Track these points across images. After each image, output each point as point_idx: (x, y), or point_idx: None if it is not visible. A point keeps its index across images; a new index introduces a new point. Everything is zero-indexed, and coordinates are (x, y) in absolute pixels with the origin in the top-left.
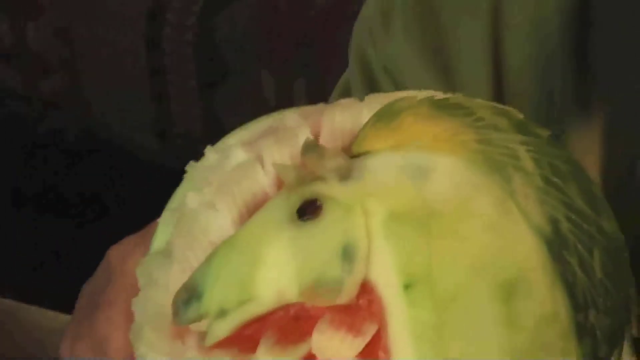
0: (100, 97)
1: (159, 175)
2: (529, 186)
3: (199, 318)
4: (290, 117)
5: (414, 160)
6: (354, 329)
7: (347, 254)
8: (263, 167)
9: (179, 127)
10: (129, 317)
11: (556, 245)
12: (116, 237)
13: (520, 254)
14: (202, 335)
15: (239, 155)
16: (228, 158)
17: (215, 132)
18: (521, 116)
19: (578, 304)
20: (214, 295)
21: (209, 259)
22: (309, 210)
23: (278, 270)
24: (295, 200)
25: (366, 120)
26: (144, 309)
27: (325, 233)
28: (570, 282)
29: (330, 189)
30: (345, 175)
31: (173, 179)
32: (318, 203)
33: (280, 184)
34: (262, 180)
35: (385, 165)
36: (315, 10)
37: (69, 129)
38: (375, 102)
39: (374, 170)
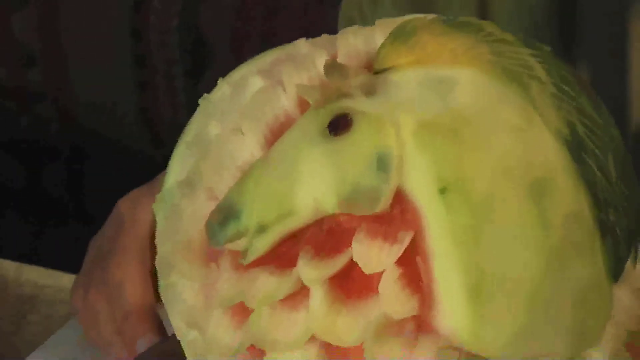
0: (86, 86)
1: (145, 162)
2: (544, 93)
3: (238, 236)
4: (303, 45)
5: (436, 74)
6: (390, 237)
7: (382, 164)
8: (285, 90)
9: (164, 115)
10: (143, 263)
11: (575, 148)
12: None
13: (544, 156)
14: (237, 256)
15: (257, 82)
16: (246, 86)
17: None
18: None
19: (599, 202)
20: (253, 212)
21: (243, 179)
22: (340, 124)
23: (315, 183)
24: (325, 116)
25: (380, 41)
26: (170, 240)
27: (358, 145)
28: (591, 182)
29: (358, 104)
30: (370, 91)
31: (160, 167)
32: (349, 117)
33: (303, 107)
34: (285, 103)
35: (409, 80)
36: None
37: (53, 120)
38: (386, 25)
39: (399, 85)
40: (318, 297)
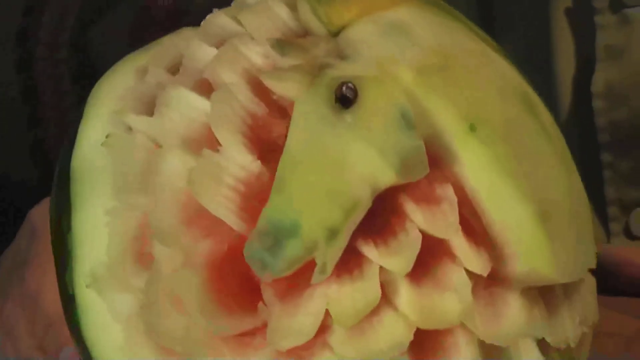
0: None
1: (36, 196)
2: (473, 24)
3: (305, 254)
4: (200, 47)
5: (386, 20)
6: (432, 196)
7: (407, 121)
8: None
9: (55, 150)
10: None
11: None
12: None
13: (510, 72)
14: (279, 285)
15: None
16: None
17: None
18: None
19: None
20: (314, 220)
21: (276, 192)
22: (348, 96)
23: (362, 164)
24: (326, 93)
25: (280, 10)
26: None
27: (377, 111)
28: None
29: (347, 70)
30: (342, 55)
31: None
32: (352, 86)
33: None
34: (249, 105)
35: (368, 34)
36: (192, 23)
37: None
38: None
39: (363, 41)
40: (405, 289)
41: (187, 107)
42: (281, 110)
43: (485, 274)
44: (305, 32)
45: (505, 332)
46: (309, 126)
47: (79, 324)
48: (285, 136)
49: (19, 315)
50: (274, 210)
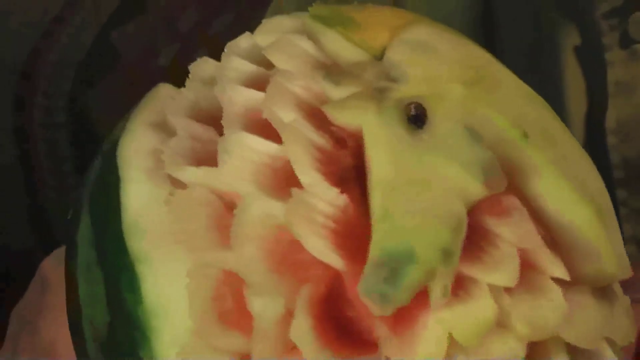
0: None
1: (34, 262)
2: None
3: (425, 279)
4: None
5: (413, 40)
6: (502, 210)
7: (474, 135)
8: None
9: (55, 217)
10: None
11: None
12: None
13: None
14: (394, 319)
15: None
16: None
17: None
18: None
19: None
20: (427, 242)
21: (380, 221)
22: (420, 115)
23: (451, 179)
24: (396, 115)
25: (305, 43)
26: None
27: (447, 128)
28: None
29: (406, 91)
30: (391, 77)
31: None
32: (419, 105)
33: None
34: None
35: (404, 55)
36: None
37: None
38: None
39: (402, 61)
40: (508, 304)
41: (251, 151)
42: (341, 141)
43: (568, 279)
44: (332, 62)
45: (591, 335)
46: (391, 149)
47: None
48: (353, 166)
49: None
50: (383, 239)
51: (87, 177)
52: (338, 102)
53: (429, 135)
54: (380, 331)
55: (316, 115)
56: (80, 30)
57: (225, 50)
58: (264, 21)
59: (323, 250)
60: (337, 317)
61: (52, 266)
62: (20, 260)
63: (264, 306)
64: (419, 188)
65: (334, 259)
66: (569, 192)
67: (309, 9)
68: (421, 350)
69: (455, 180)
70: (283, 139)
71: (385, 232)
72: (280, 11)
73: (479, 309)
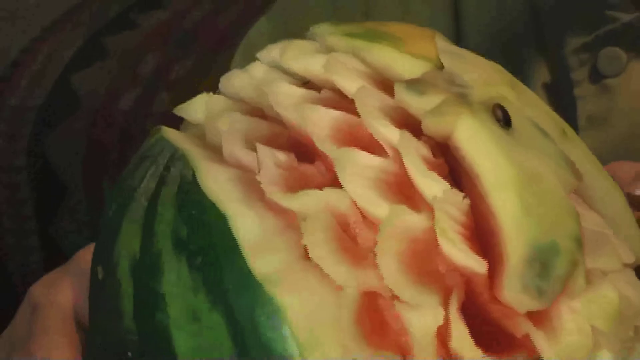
0: None
1: None
2: None
3: (571, 269)
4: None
5: (447, 50)
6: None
7: (543, 131)
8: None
9: (13, 260)
10: (72, 344)
11: None
12: None
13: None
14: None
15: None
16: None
17: (55, 261)
18: None
19: None
20: (564, 234)
21: (523, 217)
22: (507, 115)
23: (553, 173)
24: (488, 117)
25: (354, 60)
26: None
27: (522, 126)
28: None
29: (479, 96)
30: (456, 84)
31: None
32: (502, 105)
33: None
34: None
35: (451, 64)
36: (154, 121)
37: None
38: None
39: (454, 69)
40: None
41: (365, 167)
42: (434, 149)
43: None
44: (380, 76)
45: None
46: (500, 149)
47: None
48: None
49: None
50: (529, 235)
51: (146, 226)
52: (434, 110)
53: (517, 133)
54: (525, 327)
55: (408, 127)
56: (40, 75)
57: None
58: (286, 47)
59: (465, 255)
60: (480, 321)
61: (42, 292)
62: None
63: (420, 319)
64: (538, 183)
65: (477, 263)
66: (607, 182)
67: (338, 29)
68: (568, 341)
69: (556, 174)
70: (401, 152)
71: (529, 228)
72: (254, 48)
73: (605, 294)
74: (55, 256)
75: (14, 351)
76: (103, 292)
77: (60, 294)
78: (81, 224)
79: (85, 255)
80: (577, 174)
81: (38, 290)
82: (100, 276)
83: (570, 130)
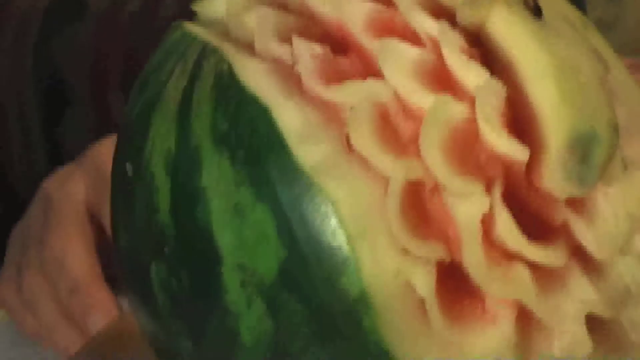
0: None
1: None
2: None
3: (609, 156)
4: None
5: None
6: None
7: (573, 24)
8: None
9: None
10: (85, 235)
11: None
12: None
13: None
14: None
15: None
16: None
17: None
18: None
19: None
20: (602, 121)
21: (563, 105)
22: (538, 5)
23: (587, 63)
24: (521, 7)
25: None
26: None
27: (553, 17)
28: None
29: None
30: None
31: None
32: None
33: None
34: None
35: None
36: (164, 21)
37: None
38: None
39: None
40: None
41: (407, 58)
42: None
43: None
44: None
45: None
46: (538, 39)
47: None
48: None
49: (40, 282)
50: (569, 123)
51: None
52: (468, 1)
53: (548, 23)
54: (565, 214)
55: (442, 18)
56: None
57: None
58: None
59: (508, 142)
60: (518, 212)
61: (56, 185)
62: None
63: (467, 208)
64: (575, 72)
65: (519, 149)
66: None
67: None
68: (605, 227)
69: (589, 63)
70: (441, 43)
71: (570, 115)
72: None
73: (637, 181)
74: (59, 161)
75: (29, 243)
76: (133, 188)
77: (74, 188)
78: (86, 131)
79: (101, 151)
80: (605, 65)
81: (52, 184)
82: (130, 173)
83: (590, 24)
